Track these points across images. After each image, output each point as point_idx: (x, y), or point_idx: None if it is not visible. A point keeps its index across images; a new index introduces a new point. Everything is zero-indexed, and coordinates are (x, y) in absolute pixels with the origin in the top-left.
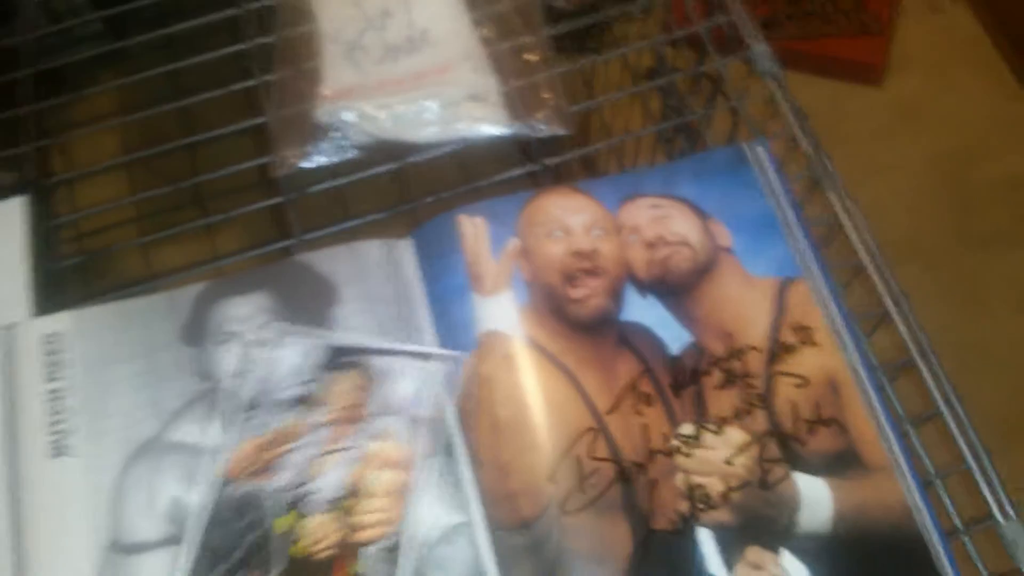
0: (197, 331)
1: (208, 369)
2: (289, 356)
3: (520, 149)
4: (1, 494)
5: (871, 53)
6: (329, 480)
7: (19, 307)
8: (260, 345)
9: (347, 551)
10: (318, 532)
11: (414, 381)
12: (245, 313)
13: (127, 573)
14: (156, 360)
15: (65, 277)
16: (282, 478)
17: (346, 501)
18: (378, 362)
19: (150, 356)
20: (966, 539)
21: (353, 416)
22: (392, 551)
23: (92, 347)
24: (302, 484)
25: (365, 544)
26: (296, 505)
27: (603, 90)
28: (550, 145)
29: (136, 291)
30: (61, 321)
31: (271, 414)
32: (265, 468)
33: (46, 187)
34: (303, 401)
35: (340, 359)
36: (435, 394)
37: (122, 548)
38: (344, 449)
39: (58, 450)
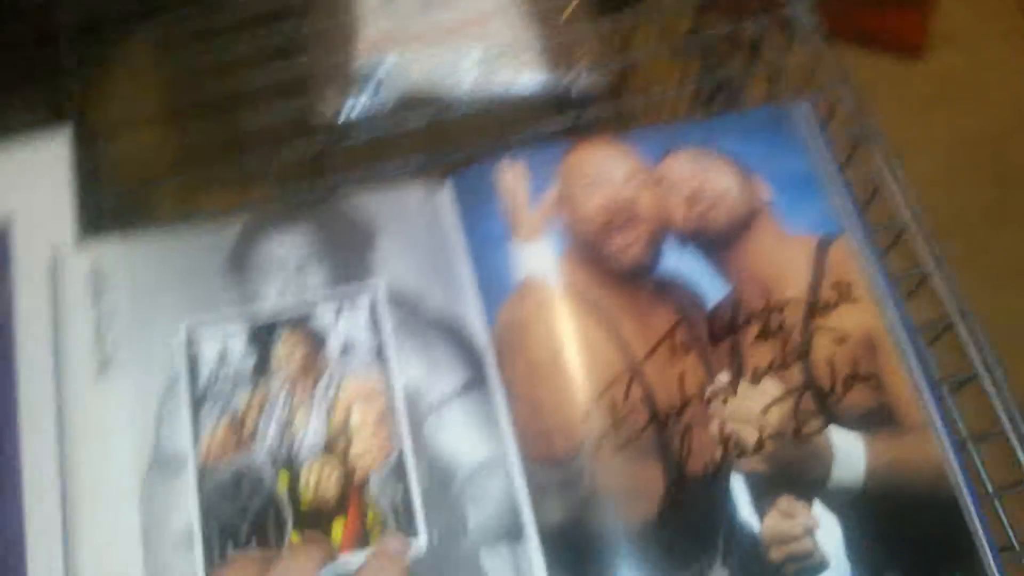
0: (242, 261)
1: (252, 298)
2: (231, 333)
3: (554, 105)
4: (48, 414)
5: (912, 26)
6: (311, 431)
7: (65, 234)
8: (201, 327)
9: (354, 485)
10: (319, 478)
11: (354, 321)
12: (288, 247)
13: (167, 486)
14: (201, 287)
15: (107, 212)
16: (265, 444)
17: (336, 443)
18: (317, 314)
19: (193, 285)
20: (997, 502)
21: (311, 369)
22: (398, 468)
23: (137, 274)
24: (287, 443)
25: (368, 474)
26: (289, 463)
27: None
28: (585, 101)
29: (178, 227)
30: (107, 248)
31: (230, 393)
32: (244, 442)
33: (90, 122)
34: (259, 371)
35: (276, 325)
36: (376, 325)
37: (164, 464)
38: (314, 399)
39: (103, 372)
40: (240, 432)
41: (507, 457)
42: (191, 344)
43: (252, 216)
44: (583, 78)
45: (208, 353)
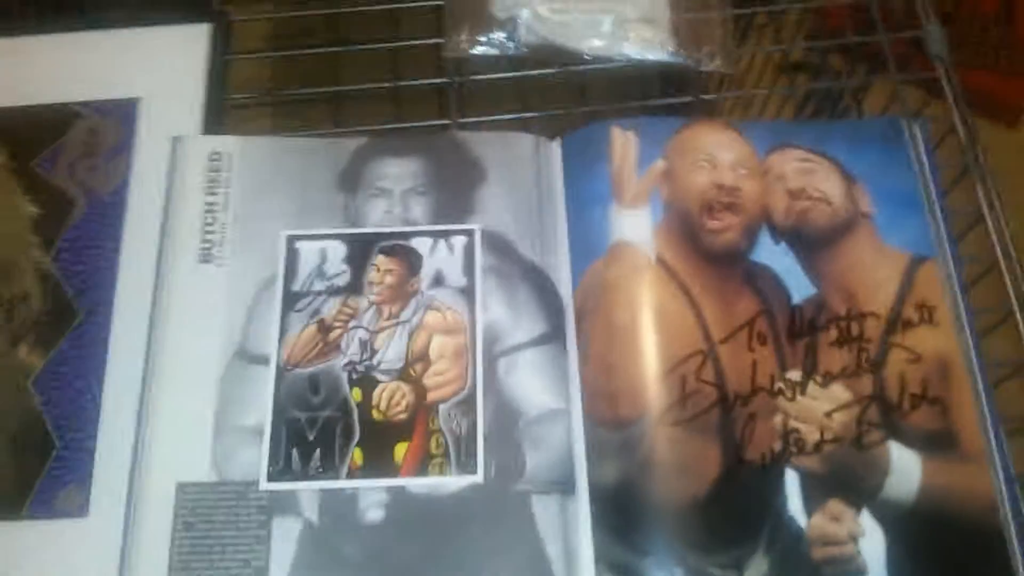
0: (353, 180)
1: (357, 217)
2: (331, 246)
3: (673, 82)
4: (145, 290)
5: (1016, 94)
6: (392, 351)
7: (191, 123)
8: (306, 239)
9: (423, 411)
10: (393, 397)
11: (449, 255)
12: (398, 173)
13: (247, 379)
14: (308, 198)
15: (232, 111)
16: (345, 357)
17: (412, 368)
18: (415, 243)
19: (303, 193)
20: None
21: (400, 294)
22: (466, 404)
23: (252, 172)
24: (368, 358)
25: (438, 403)
26: (366, 376)
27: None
28: (703, 84)
29: (297, 137)
30: (228, 143)
31: (321, 302)
32: (326, 351)
33: (225, 23)
34: (351, 287)
35: (380, 244)
36: (469, 263)
37: (248, 357)
38: (399, 323)
39: (206, 257)
40: (324, 341)
41: (571, 412)
42: (291, 250)
43: (369, 139)
44: (705, 61)
45: (306, 261)
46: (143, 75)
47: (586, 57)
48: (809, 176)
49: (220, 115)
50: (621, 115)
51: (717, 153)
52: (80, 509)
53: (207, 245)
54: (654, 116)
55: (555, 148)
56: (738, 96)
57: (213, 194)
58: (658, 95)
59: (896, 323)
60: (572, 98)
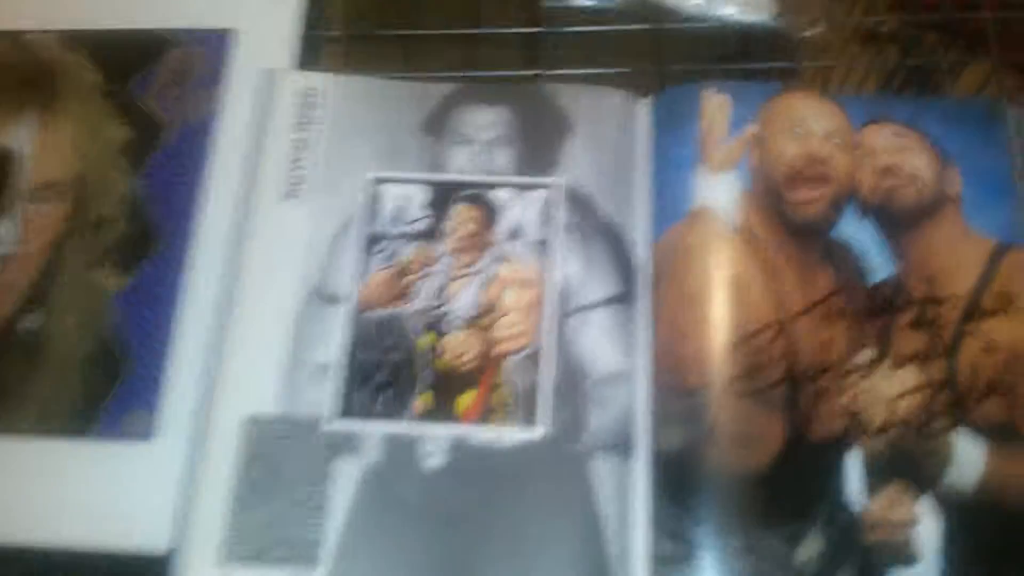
0: (439, 125)
1: (440, 162)
2: (413, 191)
3: (771, 47)
4: (226, 222)
5: None
6: (463, 301)
7: (285, 58)
8: (390, 182)
9: (490, 362)
10: (460, 347)
11: (529, 208)
12: (485, 121)
13: (321, 318)
14: (396, 139)
15: (326, 49)
16: (418, 302)
17: (482, 319)
18: (496, 193)
19: (392, 134)
20: None
21: (477, 244)
22: (533, 358)
23: (342, 111)
24: (438, 306)
25: (506, 355)
26: (435, 325)
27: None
28: (801, 52)
29: (387, 80)
30: (320, 80)
31: (398, 246)
32: (400, 295)
33: None
34: (429, 233)
35: (461, 192)
36: (548, 218)
37: (324, 296)
38: (473, 273)
39: (291, 193)
40: (398, 285)
41: (637, 375)
42: (375, 191)
43: (457, 85)
44: (806, 27)
45: (387, 205)
46: (238, 7)
47: (684, 15)
48: (901, 154)
49: (313, 52)
50: (722, 76)
51: (811, 122)
52: (146, 433)
53: (293, 181)
54: (748, 81)
55: (644, 106)
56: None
57: (303, 131)
58: (768, 60)
59: (975, 310)
60: (674, 55)
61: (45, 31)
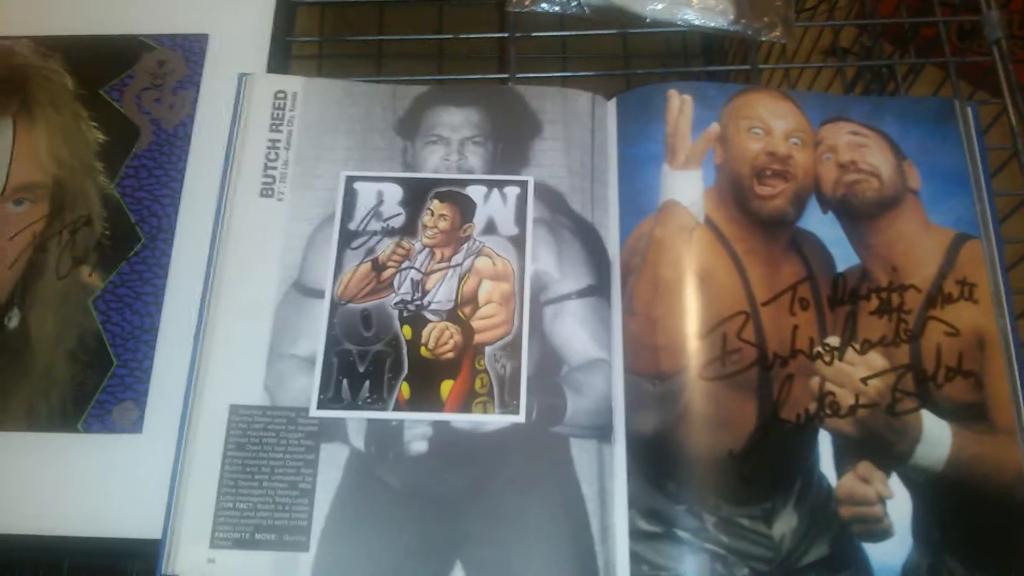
0: (411, 126)
1: (412, 163)
2: (388, 189)
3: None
4: (206, 219)
5: None
6: (443, 292)
7: (258, 62)
8: (365, 180)
9: (470, 351)
10: (441, 336)
11: (502, 204)
12: (457, 122)
13: (302, 311)
14: (368, 140)
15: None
16: (399, 294)
17: (461, 309)
18: (470, 191)
19: (364, 135)
20: None
21: (453, 238)
22: (511, 347)
23: (315, 112)
24: (419, 297)
25: (485, 344)
26: (417, 315)
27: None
28: (754, 53)
29: (360, 82)
30: (293, 82)
31: (375, 242)
32: (379, 288)
33: None
34: (404, 229)
35: (436, 190)
36: (521, 213)
37: (303, 290)
38: (451, 266)
39: (267, 192)
40: (377, 279)
41: (612, 362)
42: (350, 189)
43: (428, 87)
44: (765, 31)
45: (363, 201)
46: (212, 12)
47: (647, 20)
48: (860, 150)
49: (285, 56)
50: (684, 77)
51: (772, 121)
52: (135, 425)
53: (268, 180)
54: (711, 82)
55: (611, 107)
56: (787, 69)
57: (277, 131)
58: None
59: (936, 297)
60: (616, 67)
61: (19, 37)
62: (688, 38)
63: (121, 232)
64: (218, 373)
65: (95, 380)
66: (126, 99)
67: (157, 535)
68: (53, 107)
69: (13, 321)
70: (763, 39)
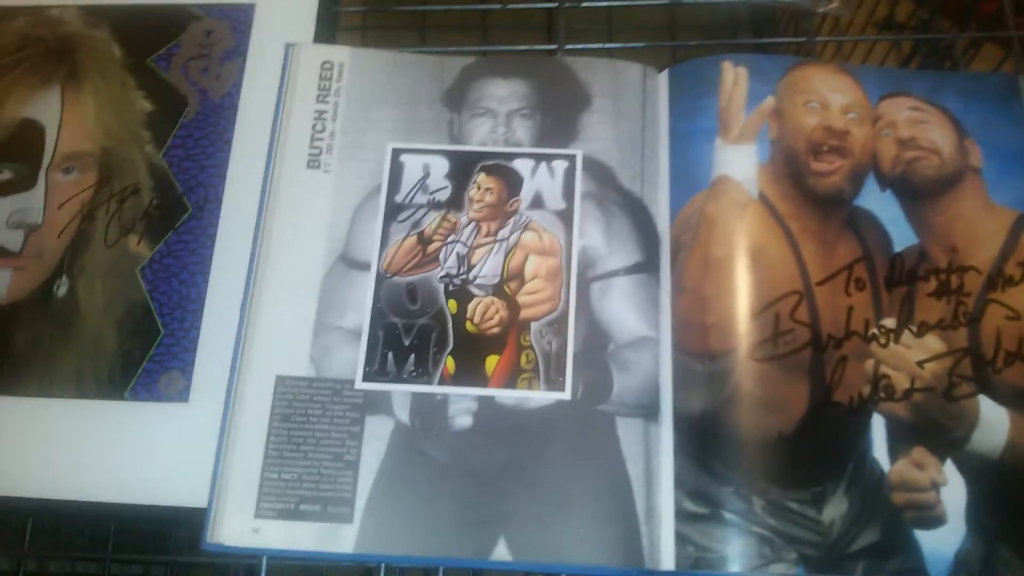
0: (458, 98)
1: (459, 135)
2: (434, 161)
3: (788, 20)
4: (253, 191)
5: None
6: (489, 267)
7: (305, 32)
8: (411, 152)
9: (516, 326)
10: (487, 311)
11: (549, 178)
12: (504, 94)
13: (348, 283)
14: (415, 112)
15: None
16: (445, 268)
17: (508, 284)
18: (517, 164)
19: (411, 107)
20: None
21: (499, 212)
22: (558, 323)
23: (362, 83)
24: (465, 272)
25: (531, 320)
26: (462, 290)
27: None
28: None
29: (408, 53)
30: (340, 53)
31: (421, 215)
32: (425, 262)
33: None
34: (451, 203)
35: (483, 163)
36: (569, 188)
37: (349, 262)
38: (498, 241)
39: (314, 163)
40: (423, 252)
41: (660, 340)
42: (396, 162)
43: (476, 58)
44: (823, 3)
45: (410, 174)
46: None
47: None
48: (920, 126)
49: (332, 26)
50: (740, 48)
51: (829, 95)
52: (181, 394)
53: (315, 152)
54: (766, 54)
55: (662, 79)
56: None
57: (323, 102)
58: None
59: (997, 279)
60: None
61: (67, 6)
62: (737, 10)
63: (169, 202)
64: (264, 344)
65: (142, 348)
66: (173, 69)
67: (202, 504)
68: (101, 76)
69: (62, 289)
70: (820, 11)
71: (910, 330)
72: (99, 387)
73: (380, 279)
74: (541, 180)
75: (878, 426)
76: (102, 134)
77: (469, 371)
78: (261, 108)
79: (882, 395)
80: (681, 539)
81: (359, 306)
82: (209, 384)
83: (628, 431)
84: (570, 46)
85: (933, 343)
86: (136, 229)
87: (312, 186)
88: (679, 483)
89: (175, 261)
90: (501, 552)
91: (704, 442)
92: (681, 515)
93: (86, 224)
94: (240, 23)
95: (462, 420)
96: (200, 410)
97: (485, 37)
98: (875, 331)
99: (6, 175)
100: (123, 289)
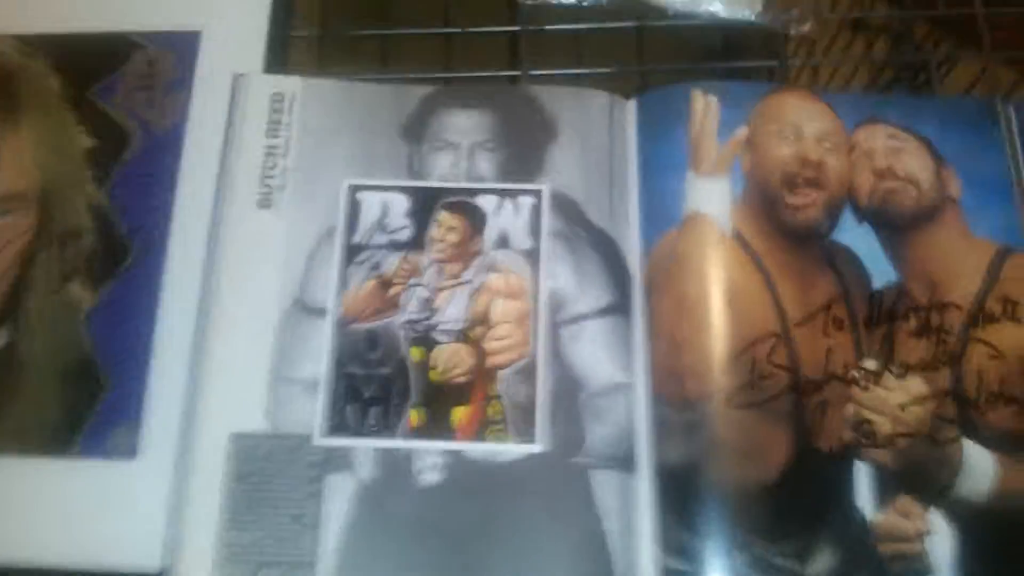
0: (417, 130)
1: (419, 169)
2: (394, 199)
3: (757, 46)
4: (200, 232)
5: None
6: (453, 311)
7: (254, 62)
8: (369, 189)
9: (482, 375)
10: (452, 359)
11: (515, 215)
12: (466, 126)
13: (305, 331)
14: (372, 146)
15: (295, 51)
16: (405, 314)
17: (473, 330)
18: (480, 200)
19: (367, 140)
20: None
21: (463, 253)
22: (527, 370)
23: (315, 116)
24: (426, 318)
25: (499, 368)
26: (426, 336)
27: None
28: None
29: (366, 78)
30: (291, 83)
31: (381, 256)
32: (386, 307)
33: None
34: (412, 243)
35: (445, 200)
36: (536, 225)
37: (305, 308)
38: (462, 283)
39: (265, 202)
40: (383, 296)
41: (635, 387)
42: (353, 200)
43: (436, 88)
44: (794, 25)
45: (367, 213)
46: (205, 7)
47: (669, 13)
48: (897, 155)
49: (283, 53)
50: (701, 77)
51: (803, 124)
52: (130, 450)
53: (266, 190)
54: (737, 81)
55: (631, 108)
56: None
57: (274, 136)
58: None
59: (978, 316)
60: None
61: (2, 35)
62: (707, 34)
63: (112, 245)
64: (216, 397)
65: (87, 402)
66: (115, 101)
67: (155, 568)
68: (38, 110)
69: (1, 340)
70: (793, 33)
71: (891, 371)
72: (43, 444)
73: (338, 326)
74: (506, 217)
75: (862, 474)
76: (41, 173)
77: (435, 423)
78: (208, 143)
79: (865, 441)
80: None
81: (316, 355)
82: (159, 440)
83: (603, 484)
84: (534, 71)
85: (915, 385)
86: (78, 274)
87: (264, 227)
88: (657, 538)
89: (120, 308)
90: None
91: (683, 495)
92: (662, 572)
93: (26, 270)
94: (185, 52)
95: (429, 476)
96: (150, 468)
97: (448, 59)
98: (855, 373)
99: None
100: (66, 339)
